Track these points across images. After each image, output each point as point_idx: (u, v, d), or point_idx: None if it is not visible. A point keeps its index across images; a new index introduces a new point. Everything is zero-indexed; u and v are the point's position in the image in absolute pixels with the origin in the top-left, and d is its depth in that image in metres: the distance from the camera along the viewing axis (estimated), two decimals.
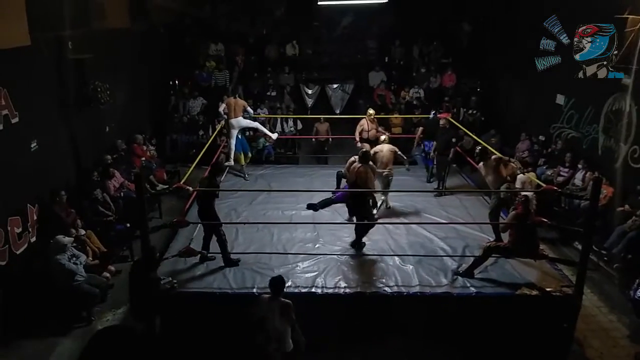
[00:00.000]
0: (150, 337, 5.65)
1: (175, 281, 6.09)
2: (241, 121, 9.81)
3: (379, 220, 7.66)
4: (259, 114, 12.58)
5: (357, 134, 9.81)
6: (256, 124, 10.26)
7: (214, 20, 14.97)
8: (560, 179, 9.67)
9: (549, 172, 10.05)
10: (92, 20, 9.29)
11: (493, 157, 7.28)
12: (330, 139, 12.35)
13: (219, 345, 6.01)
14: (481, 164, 7.33)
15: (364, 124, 9.78)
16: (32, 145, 7.31)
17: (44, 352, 6.15)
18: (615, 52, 8.46)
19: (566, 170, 9.70)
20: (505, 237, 6.63)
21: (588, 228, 5.72)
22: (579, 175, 9.36)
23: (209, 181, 6.59)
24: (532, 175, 8.73)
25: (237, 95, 10.17)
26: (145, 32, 12.23)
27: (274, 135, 10.70)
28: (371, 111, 9.91)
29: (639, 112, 8.47)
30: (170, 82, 14.12)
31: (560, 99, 10.77)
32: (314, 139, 12.56)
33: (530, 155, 10.95)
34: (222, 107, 9.86)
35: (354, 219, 7.20)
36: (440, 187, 9.36)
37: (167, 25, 13.90)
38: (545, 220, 6.14)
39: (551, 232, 8.52)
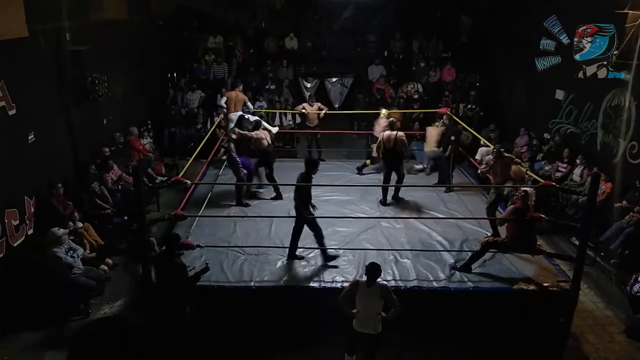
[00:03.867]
0: (182, 325, 5.56)
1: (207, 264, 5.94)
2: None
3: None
4: (260, 108, 12.55)
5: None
6: (256, 118, 10.11)
7: (213, 12, 14.88)
8: (558, 174, 9.68)
9: (547, 168, 10.06)
10: (90, 11, 9.24)
11: (507, 155, 7.34)
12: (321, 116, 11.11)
13: (217, 339, 6.03)
14: (493, 157, 7.35)
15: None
16: (30, 137, 7.26)
17: (41, 344, 6.15)
18: (615, 52, 8.44)
19: (564, 165, 9.71)
20: (503, 231, 6.65)
21: (586, 223, 5.73)
22: (577, 171, 9.36)
23: (304, 177, 6.46)
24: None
25: (237, 89, 10.06)
26: (143, 24, 12.16)
27: (274, 129, 10.62)
28: (384, 111, 10.13)
29: (638, 107, 8.47)
30: (169, 75, 14.07)
31: (559, 94, 10.75)
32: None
33: (529, 150, 10.94)
34: (222, 101, 9.80)
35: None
36: (446, 183, 9.26)
37: (166, 18, 13.83)
38: (543, 215, 6.14)
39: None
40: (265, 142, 8.67)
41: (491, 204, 7.45)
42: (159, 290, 5.62)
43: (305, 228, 6.56)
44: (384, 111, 10.31)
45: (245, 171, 8.51)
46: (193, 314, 5.63)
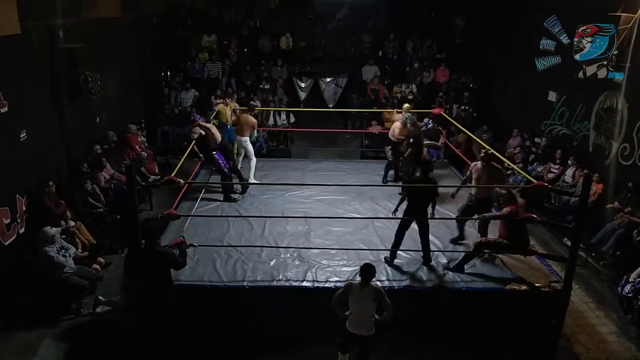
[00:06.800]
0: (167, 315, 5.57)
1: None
2: (244, 143, 9.16)
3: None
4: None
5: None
6: (253, 161, 9.33)
7: (207, 10, 14.83)
8: (550, 175, 9.73)
9: (539, 169, 10.11)
10: (83, 9, 9.16)
11: (496, 166, 7.31)
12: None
13: (210, 338, 6.01)
14: (481, 164, 7.33)
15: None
16: (22, 136, 7.21)
17: (32, 343, 6.10)
18: (616, 52, 8.46)
19: (557, 166, 9.77)
20: (495, 232, 6.66)
21: (577, 224, 5.76)
22: (569, 172, 9.42)
23: (423, 179, 6.44)
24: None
25: (249, 112, 9.31)
26: (137, 22, 12.11)
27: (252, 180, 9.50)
28: (406, 106, 9.85)
29: (630, 109, 8.52)
30: (162, 73, 14.01)
31: (552, 96, 10.80)
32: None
33: (521, 152, 10.99)
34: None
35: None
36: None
37: (160, 16, 13.77)
38: (535, 216, 6.17)
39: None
40: (219, 136, 8.74)
41: (463, 211, 7.25)
42: (146, 285, 5.57)
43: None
44: (405, 106, 9.92)
45: (226, 167, 8.61)
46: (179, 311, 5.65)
